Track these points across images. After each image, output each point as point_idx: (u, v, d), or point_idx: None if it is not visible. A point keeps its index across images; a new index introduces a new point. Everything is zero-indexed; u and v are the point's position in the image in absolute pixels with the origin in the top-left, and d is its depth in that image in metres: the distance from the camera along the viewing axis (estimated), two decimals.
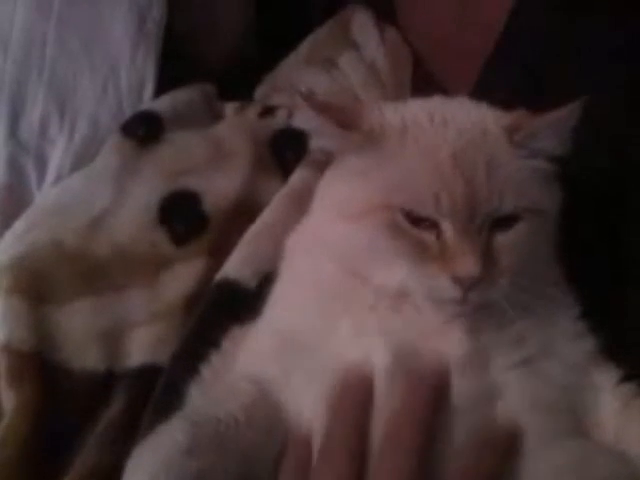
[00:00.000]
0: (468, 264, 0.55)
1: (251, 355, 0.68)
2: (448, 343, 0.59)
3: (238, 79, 1.17)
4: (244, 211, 0.87)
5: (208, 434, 0.58)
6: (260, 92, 1.11)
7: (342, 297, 0.63)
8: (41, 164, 0.92)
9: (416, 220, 0.58)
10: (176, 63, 1.07)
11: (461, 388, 0.58)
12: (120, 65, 0.98)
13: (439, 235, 0.57)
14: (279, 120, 1.00)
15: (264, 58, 1.22)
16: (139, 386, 0.75)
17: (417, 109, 0.64)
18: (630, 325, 0.70)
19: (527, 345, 0.61)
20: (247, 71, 1.20)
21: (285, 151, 0.95)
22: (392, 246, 0.59)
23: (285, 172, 0.92)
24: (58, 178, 0.92)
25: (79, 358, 0.76)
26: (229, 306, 0.76)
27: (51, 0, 0.97)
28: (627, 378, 0.64)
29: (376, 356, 0.59)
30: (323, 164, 0.74)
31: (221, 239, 0.84)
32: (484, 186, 0.57)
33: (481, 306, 0.59)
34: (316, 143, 0.70)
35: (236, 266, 0.80)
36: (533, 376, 0.60)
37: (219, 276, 0.80)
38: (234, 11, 1.27)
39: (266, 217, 0.84)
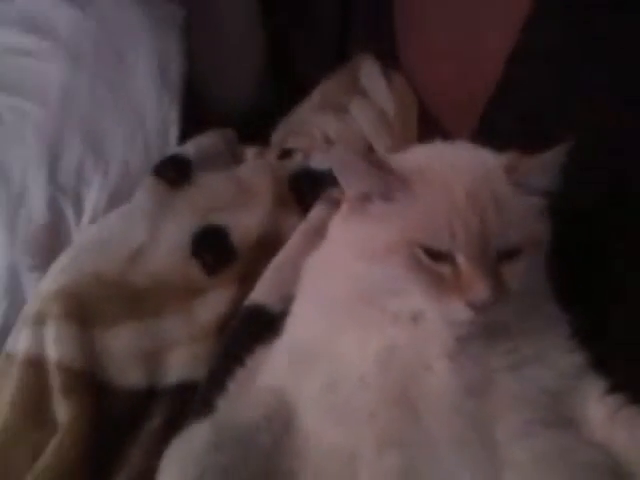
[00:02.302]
0: (481, 291, 0.67)
1: (271, 369, 0.81)
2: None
3: (255, 125, 1.37)
4: (268, 243, 1.04)
5: (232, 436, 0.70)
6: (276, 136, 1.31)
7: (353, 317, 0.76)
8: (78, 204, 1.10)
9: (434, 254, 0.70)
10: (197, 109, 1.27)
11: (456, 381, 0.69)
12: (146, 112, 1.18)
13: (454, 267, 0.69)
14: (296, 162, 1.19)
15: (279, 105, 1.43)
16: (178, 400, 0.90)
17: (428, 154, 0.79)
18: (617, 340, 0.85)
19: (522, 353, 0.73)
20: (263, 117, 1.40)
21: (303, 190, 1.13)
22: (412, 279, 0.71)
23: (304, 209, 1.09)
24: (94, 216, 1.10)
25: (123, 376, 0.92)
26: (256, 328, 0.90)
27: (84, 57, 1.18)
28: (614, 389, 0.75)
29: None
30: (338, 202, 0.88)
31: (248, 269, 1.01)
32: (494, 222, 0.70)
33: (489, 325, 0.72)
34: (357, 188, 0.75)
35: (263, 293, 0.96)
36: (525, 379, 0.72)
37: (248, 302, 0.96)
38: (245, 58, 1.49)
39: (288, 249, 1.01)
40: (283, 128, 1.33)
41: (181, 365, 0.94)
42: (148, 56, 1.21)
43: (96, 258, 1.00)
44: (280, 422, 0.73)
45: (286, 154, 1.22)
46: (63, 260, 1.01)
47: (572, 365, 0.76)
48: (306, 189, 1.13)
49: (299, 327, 0.82)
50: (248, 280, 1.00)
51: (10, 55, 1.17)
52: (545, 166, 0.74)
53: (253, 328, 0.92)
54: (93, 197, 1.11)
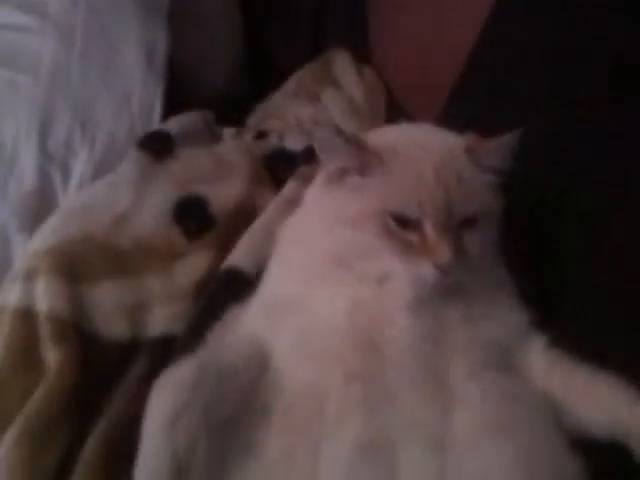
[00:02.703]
0: (445, 254, 0.77)
1: (247, 321, 0.89)
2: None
3: (232, 109, 1.46)
4: (244, 214, 1.13)
5: (213, 375, 0.77)
6: (253, 119, 1.40)
7: (325, 276, 0.84)
8: (66, 172, 1.17)
9: (403, 222, 0.80)
10: (178, 94, 1.36)
11: (415, 330, 0.79)
12: (132, 91, 1.26)
13: (421, 233, 0.79)
14: (271, 142, 1.28)
15: (255, 93, 1.52)
16: (159, 352, 0.98)
17: (397, 134, 0.89)
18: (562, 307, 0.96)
19: (474, 310, 0.83)
20: (240, 103, 1.50)
21: (277, 167, 1.23)
22: (384, 245, 0.80)
23: (277, 185, 1.19)
24: (80, 185, 1.17)
25: (108, 328, 0.99)
26: (233, 289, 0.99)
27: (74, 36, 1.25)
28: (553, 344, 0.86)
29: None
30: (310, 178, 0.98)
31: (225, 236, 1.10)
32: (456, 194, 0.80)
33: (448, 285, 0.82)
34: (337, 163, 0.84)
35: (239, 257, 1.05)
36: (476, 331, 0.82)
37: (225, 265, 1.04)
38: (223, 46, 1.58)
39: (263, 218, 1.10)
40: (259, 112, 1.42)
41: (162, 320, 1.02)
42: (135, 39, 1.29)
43: (83, 221, 1.07)
44: (256, 364, 0.80)
45: (262, 135, 1.31)
46: (52, 222, 1.08)
47: (518, 322, 0.86)
48: (280, 167, 1.23)
49: (274, 284, 0.90)
50: (225, 247, 1.09)
51: (3, 31, 1.23)
52: (499, 149, 0.84)
53: (230, 288, 1.00)
54: (80, 167, 1.18)
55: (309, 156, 1.14)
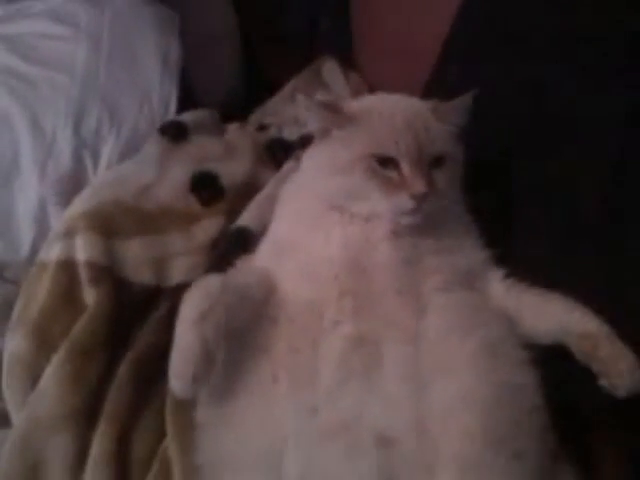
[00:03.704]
0: (420, 185, 0.94)
1: (257, 259, 1.06)
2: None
3: (233, 114, 1.66)
4: (249, 187, 1.33)
5: (233, 288, 0.93)
6: (253, 118, 1.60)
7: (320, 220, 1.02)
8: (96, 156, 1.37)
9: (384, 163, 0.96)
10: (187, 101, 1.56)
11: (395, 255, 0.96)
12: (152, 88, 1.47)
13: (399, 172, 0.96)
14: (271, 133, 1.49)
15: (253, 100, 1.73)
16: (179, 297, 1.13)
17: (374, 99, 1.11)
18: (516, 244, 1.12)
19: (443, 243, 1.01)
20: (240, 109, 1.70)
21: (276, 152, 1.43)
22: (371, 184, 0.96)
23: (277, 166, 1.39)
24: (107, 166, 1.37)
25: (137, 275, 1.17)
26: (242, 242, 1.18)
27: (101, 43, 1.46)
28: (509, 275, 1.04)
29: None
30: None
31: (233, 205, 1.29)
32: (425, 139, 0.99)
33: (424, 217, 0.98)
34: (315, 125, 1.03)
35: (246, 218, 1.24)
36: (446, 261, 0.99)
37: (234, 225, 1.24)
38: (223, 57, 1.81)
39: (266, 190, 1.30)
40: (258, 113, 1.63)
41: (181, 270, 1.21)
42: (153, 45, 1.50)
43: (114, 189, 1.26)
44: (266, 285, 0.97)
45: (262, 128, 1.52)
46: (86, 192, 1.26)
47: (480, 256, 1.03)
48: (279, 152, 1.43)
49: (279, 229, 1.08)
50: (234, 212, 1.28)
51: (44, 39, 1.44)
52: (457, 107, 1.04)
53: (239, 242, 1.19)
54: (107, 151, 1.38)
55: (304, 143, 1.32)
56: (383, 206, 0.97)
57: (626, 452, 0.99)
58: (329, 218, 1.01)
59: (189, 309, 0.88)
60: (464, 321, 0.93)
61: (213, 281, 0.93)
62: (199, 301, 0.88)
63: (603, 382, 0.87)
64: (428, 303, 0.94)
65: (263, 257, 1.06)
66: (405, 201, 0.95)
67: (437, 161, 0.99)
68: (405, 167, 0.96)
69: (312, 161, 1.08)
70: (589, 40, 1.11)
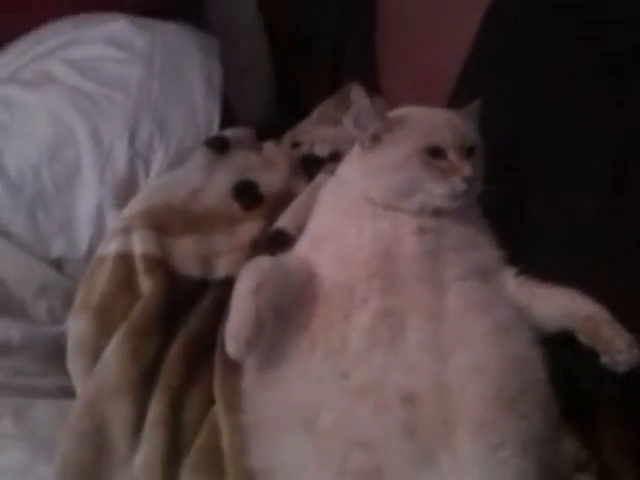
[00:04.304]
0: (468, 170, 1.07)
1: (297, 250, 1.18)
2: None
3: (265, 132, 1.82)
4: (285, 196, 1.47)
5: (280, 268, 1.04)
6: (286, 138, 1.75)
7: (354, 216, 1.13)
8: (147, 165, 1.52)
9: (434, 153, 1.08)
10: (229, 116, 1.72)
11: (419, 246, 1.08)
12: (197, 107, 1.63)
13: (448, 161, 1.08)
14: (304, 149, 1.64)
15: (285, 124, 1.89)
16: (223, 289, 1.26)
17: (405, 109, 1.23)
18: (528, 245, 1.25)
19: (462, 240, 1.13)
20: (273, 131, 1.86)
21: (309, 167, 1.58)
22: (426, 173, 1.08)
23: (309, 178, 1.53)
24: (157, 175, 1.51)
25: (186, 269, 1.31)
26: (280, 242, 1.30)
27: (154, 65, 1.62)
28: (521, 273, 1.15)
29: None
30: (331, 174, 1.31)
31: (271, 211, 1.43)
32: (462, 130, 1.11)
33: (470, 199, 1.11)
34: (367, 133, 1.16)
35: (284, 222, 1.37)
36: (464, 256, 1.11)
37: (273, 227, 1.37)
38: (258, 84, 1.99)
39: (301, 197, 1.44)
40: (292, 132, 1.78)
41: (226, 266, 1.34)
42: (198, 68, 1.67)
43: (165, 194, 1.40)
44: (306, 271, 1.09)
45: (295, 145, 1.67)
46: (140, 196, 1.42)
47: (495, 254, 1.15)
48: (311, 167, 1.57)
49: (318, 223, 1.21)
50: (272, 217, 1.41)
51: (104, 61, 1.61)
52: (470, 111, 1.20)
53: (277, 241, 1.32)
54: (158, 162, 1.52)
55: (334, 158, 1.50)
56: (439, 191, 1.09)
57: (626, 430, 1.10)
58: (362, 213, 1.13)
59: (246, 282, 0.99)
60: (480, 304, 1.05)
61: (265, 261, 1.07)
62: (254, 275, 1.01)
63: (605, 359, 0.99)
64: (448, 289, 1.06)
65: (302, 248, 1.18)
66: (458, 184, 1.08)
67: (469, 151, 1.13)
68: (453, 155, 1.10)
69: (359, 166, 1.19)
70: (589, 40, 1.23)
